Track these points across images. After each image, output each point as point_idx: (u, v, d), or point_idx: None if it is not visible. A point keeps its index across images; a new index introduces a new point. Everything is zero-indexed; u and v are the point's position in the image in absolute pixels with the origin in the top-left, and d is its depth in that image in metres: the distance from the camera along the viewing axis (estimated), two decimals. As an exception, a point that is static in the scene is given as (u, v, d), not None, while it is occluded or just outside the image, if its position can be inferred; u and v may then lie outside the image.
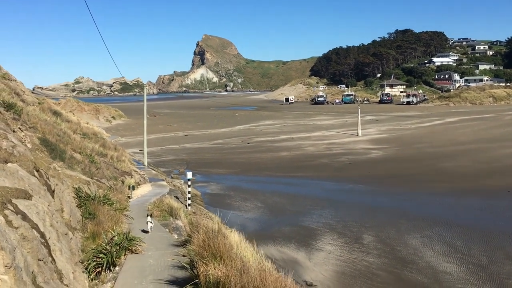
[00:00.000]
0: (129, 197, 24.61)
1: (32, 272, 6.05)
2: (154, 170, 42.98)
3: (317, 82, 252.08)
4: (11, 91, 31.04)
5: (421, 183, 38.44)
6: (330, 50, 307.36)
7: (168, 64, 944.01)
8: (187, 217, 18.00)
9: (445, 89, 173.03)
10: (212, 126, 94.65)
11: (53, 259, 7.31)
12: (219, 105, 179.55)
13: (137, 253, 10.08)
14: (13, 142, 12.47)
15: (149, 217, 14.45)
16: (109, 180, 25.11)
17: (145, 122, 48.35)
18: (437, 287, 19.06)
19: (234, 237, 8.34)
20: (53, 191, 11.48)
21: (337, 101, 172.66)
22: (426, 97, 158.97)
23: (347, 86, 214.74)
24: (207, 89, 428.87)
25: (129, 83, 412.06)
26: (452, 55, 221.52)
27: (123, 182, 27.42)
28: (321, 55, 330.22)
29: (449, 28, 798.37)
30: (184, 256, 8.53)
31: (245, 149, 61.68)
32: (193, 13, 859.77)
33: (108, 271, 9.15)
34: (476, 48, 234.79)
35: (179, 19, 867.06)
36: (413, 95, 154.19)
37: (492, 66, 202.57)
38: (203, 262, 6.64)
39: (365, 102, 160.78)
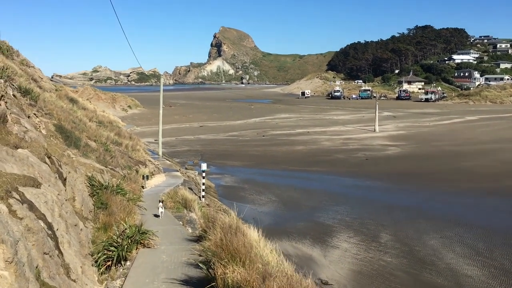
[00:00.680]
0: (142, 186, 24.30)
1: (36, 267, 5.60)
2: (169, 161, 42.72)
3: (333, 77, 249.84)
4: (29, 77, 30.87)
5: (440, 182, 37.47)
6: (348, 45, 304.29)
7: (184, 55, 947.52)
8: (201, 210, 17.55)
9: (465, 87, 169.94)
10: (228, 118, 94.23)
11: (60, 252, 6.86)
12: (235, 97, 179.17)
13: (149, 247, 9.59)
14: (25, 127, 12.08)
15: (160, 203, 15.46)
16: (123, 169, 24.81)
17: (160, 111, 48.09)
18: (458, 291, 18.38)
19: (253, 234, 7.80)
20: (65, 179, 11.08)
21: (353, 96, 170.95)
22: (445, 95, 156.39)
23: (364, 82, 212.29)
24: (223, 81, 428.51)
25: (146, 73, 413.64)
26: (472, 53, 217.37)
27: (137, 171, 27.14)
28: (338, 50, 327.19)
29: (470, 25, 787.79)
30: (200, 255, 7.98)
31: (260, 142, 61.11)
32: (211, 5, 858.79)
33: (118, 265, 8.69)
34: (498, 46, 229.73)
35: (197, 11, 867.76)
36: (432, 92, 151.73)
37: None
38: (220, 264, 6.11)
39: (382, 98, 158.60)
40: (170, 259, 8.67)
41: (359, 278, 19.47)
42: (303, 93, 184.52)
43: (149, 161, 35.19)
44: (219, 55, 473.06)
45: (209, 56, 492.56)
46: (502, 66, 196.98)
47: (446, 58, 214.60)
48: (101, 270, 8.55)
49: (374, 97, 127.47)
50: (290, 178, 40.12)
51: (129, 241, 9.06)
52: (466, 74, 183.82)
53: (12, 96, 17.11)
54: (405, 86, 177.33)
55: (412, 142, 59.43)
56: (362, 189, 36.13)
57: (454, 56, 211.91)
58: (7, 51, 31.15)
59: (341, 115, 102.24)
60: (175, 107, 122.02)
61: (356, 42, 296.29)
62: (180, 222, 13.62)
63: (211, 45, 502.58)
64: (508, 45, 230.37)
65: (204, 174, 27.28)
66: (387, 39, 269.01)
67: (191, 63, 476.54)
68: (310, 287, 5.54)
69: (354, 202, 31.99)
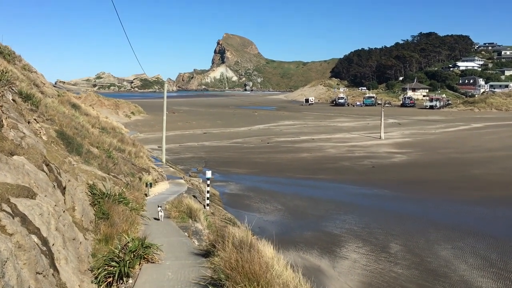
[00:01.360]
0: (146, 194, 23.67)
1: (27, 290, 4.97)
2: (172, 168, 42.10)
3: (337, 84, 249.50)
4: (30, 82, 30.42)
5: (449, 190, 36.70)
6: (351, 52, 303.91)
7: (188, 62, 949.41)
8: (207, 220, 16.90)
9: (469, 94, 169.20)
10: (231, 125, 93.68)
11: (56, 270, 6.23)
12: (238, 104, 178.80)
13: (153, 262, 8.94)
14: (23, 133, 11.49)
15: (159, 208, 16.50)
16: (126, 176, 24.20)
17: (164, 118, 47.55)
18: (474, 305, 17.63)
19: (268, 251, 7.14)
20: (64, 188, 10.47)
21: (358, 103, 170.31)
22: (450, 102, 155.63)
23: (368, 89, 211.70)
24: (227, 88, 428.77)
25: (149, 79, 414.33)
26: (477, 60, 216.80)
27: (140, 179, 26.52)
28: (342, 56, 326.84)
29: (475, 32, 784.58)
30: (211, 277, 7.26)
31: (264, 149, 60.47)
32: (214, 11, 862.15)
33: (120, 281, 8.04)
34: (502, 53, 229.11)
35: (200, 18, 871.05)
36: (437, 99, 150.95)
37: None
38: (235, 288, 5.45)
39: (386, 105, 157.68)
40: (176, 277, 7.99)
41: (370, 290, 18.75)
42: (307, 100, 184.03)
43: (153, 168, 34.59)
44: (223, 62, 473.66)
45: (213, 63, 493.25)
46: (507, 73, 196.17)
47: (450, 65, 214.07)
48: (102, 287, 7.91)
49: (379, 104, 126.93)
50: (295, 186, 39.42)
51: (132, 256, 8.42)
52: (471, 81, 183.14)
53: (11, 101, 16.57)
54: (410, 93, 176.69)
55: (418, 150, 58.66)
56: (370, 198, 35.38)
57: (459, 63, 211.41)
58: (9, 56, 30.75)
59: (346, 122, 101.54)
60: (178, 114, 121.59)
61: (360, 49, 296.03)
62: (186, 234, 12.97)
63: (215, 51, 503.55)
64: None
65: (209, 182, 26.63)
66: (391, 46, 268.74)
67: (194, 69, 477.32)
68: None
69: (362, 210, 31.25)
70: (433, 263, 21.73)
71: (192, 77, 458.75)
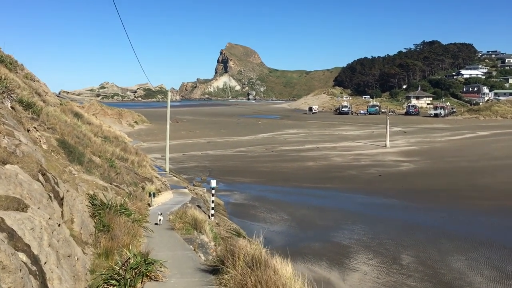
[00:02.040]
0: (149, 204, 22.98)
1: (11, 319, 4.31)
2: (176, 177, 41.43)
3: (341, 92, 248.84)
4: (32, 91, 29.89)
5: (459, 200, 35.83)
6: (354, 61, 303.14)
7: (191, 71, 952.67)
8: (212, 231, 16.18)
9: (474, 102, 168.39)
10: (235, 134, 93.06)
11: (48, 292, 5.56)
12: (242, 112, 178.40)
13: (157, 280, 8.21)
14: (19, 140, 10.87)
15: (159, 215, 17.13)
16: (129, 186, 23.54)
17: (167, 127, 46.98)
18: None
19: (285, 270, 6.43)
20: (62, 199, 9.81)
21: (362, 111, 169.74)
22: (454, 110, 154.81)
23: (371, 97, 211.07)
24: (230, 97, 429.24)
25: (153, 89, 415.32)
26: (481, 68, 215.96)
27: (143, 188, 25.85)
28: (344, 65, 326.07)
29: (478, 40, 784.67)
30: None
31: (269, 158, 59.74)
32: (217, 21, 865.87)
33: (120, 302, 7.34)
34: (506, 61, 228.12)
35: (203, 27, 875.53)
36: (441, 107, 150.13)
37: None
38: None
39: (390, 113, 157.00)
40: (182, 298, 7.30)
41: (383, 305, 17.94)
42: (310, 109, 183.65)
43: (156, 177, 33.93)
44: (226, 71, 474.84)
45: (216, 72, 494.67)
46: (511, 81, 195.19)
47: (454, 73, 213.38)
48: (100, 308, 7.22)
49: (383, 112, 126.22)
50: (301, 196, 38.65)
51: (133, 274, 7.71)
52: (475, 89, 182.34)
53: (10, 108, 16.00)
54: (414, 101, 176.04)
55: (425, 158, 57.82)
56: (378, 207, 34.57)
57: (462, 71, 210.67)
58: (11, 64, 30.25)
59: (350, 131, 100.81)
60: (182, 123, 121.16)
61: (363, 57, 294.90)
62: (191, 247, 12.26)
63: (218, 61, 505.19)
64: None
65: (213, 192, 25.93)
66: (394, 55, 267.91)
67: (197, 79, 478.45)
68: None
69: (371, 220, 30.44)
70: (447, 275, 20.89)
71: (195, 87, 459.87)
